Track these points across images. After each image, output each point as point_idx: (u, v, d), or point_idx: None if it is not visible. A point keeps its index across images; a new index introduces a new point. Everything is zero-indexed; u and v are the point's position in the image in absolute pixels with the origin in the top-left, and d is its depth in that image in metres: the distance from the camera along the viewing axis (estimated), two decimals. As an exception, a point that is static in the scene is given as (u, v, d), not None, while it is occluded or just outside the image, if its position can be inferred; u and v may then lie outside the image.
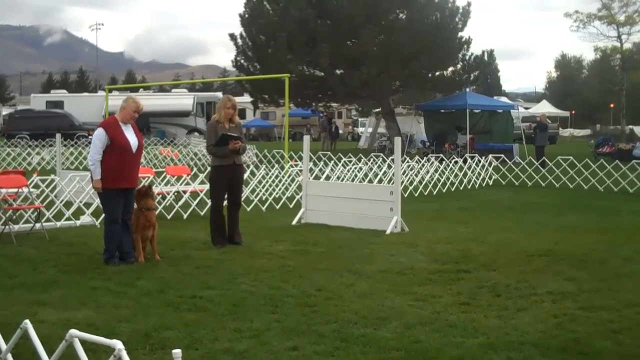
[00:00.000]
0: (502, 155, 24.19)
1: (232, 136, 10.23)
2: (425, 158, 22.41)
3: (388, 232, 11.63)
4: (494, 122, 36.26)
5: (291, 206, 15.05)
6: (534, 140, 30.46)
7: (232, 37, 39.00)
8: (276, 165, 18.94)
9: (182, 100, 50.77)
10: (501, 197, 18.05)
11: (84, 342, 3.44)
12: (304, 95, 39.15)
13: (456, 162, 21.77)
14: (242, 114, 56.96)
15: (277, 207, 15.11)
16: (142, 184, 10.03)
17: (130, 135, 9.25)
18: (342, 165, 19.58)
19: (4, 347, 3.87)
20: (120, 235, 9.17)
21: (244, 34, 38.94)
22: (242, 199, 11.13)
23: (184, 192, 14.18)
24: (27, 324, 3.70)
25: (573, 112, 78.03)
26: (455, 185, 20.04)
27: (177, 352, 2.98)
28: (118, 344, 3.16)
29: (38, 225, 11.42)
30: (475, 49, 52.38)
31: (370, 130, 50.42)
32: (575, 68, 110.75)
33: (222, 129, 10.33)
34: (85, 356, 3.43)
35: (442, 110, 37.45)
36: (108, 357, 3.24)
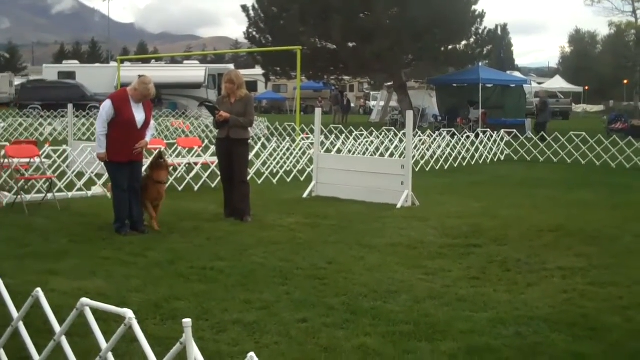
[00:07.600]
0: (514, 130, 24.05)
1: (213, 107, 10.28)
2: (437, 132, 22.33)
3: (399, 206, 11.61)
4: (506, 97, 36.04)
5: (302, 179, 15.03)
6: (537, 117, 30.29)
7: (244, 8, 38.80)
8: (287, 138, 18.89)
9: (193, 72, 50.66)
10: (513, 172, 17.98)
11: (95, 311, 3.46)
12: (316, 68, 39.01)
13: (468, 137, 21.66)
14: (253, 86, 56.82)
15: (288, 180, 15.10)
16: (157, 154, 10.02)
17: (138, 111, 9.22)
18: (354, 138, 19.52)
19: (16, 315, 3.90)
20: (129, 204, 9.20)
21: (256, 5, 38.73)
22: (253, 172, 11.01)
23: (195, 164, 14.19)
24: (39, 292, 3.72)
25: (586, 87, 77.40)
26: (467, 160, 19.98)
27: (187, 321, 2.99)
28: (129, 313, 3.18)
29: (50, 195, 11.47)
30: (489, 23, 52.04)
31: (382, 103, 50.20)
32: (589, 43, 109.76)
33: (226, 104, 10.28)
34: (96, 325, 3.46)
35: (455, 85, 37.26)
36: (118, 327, 3.26)
